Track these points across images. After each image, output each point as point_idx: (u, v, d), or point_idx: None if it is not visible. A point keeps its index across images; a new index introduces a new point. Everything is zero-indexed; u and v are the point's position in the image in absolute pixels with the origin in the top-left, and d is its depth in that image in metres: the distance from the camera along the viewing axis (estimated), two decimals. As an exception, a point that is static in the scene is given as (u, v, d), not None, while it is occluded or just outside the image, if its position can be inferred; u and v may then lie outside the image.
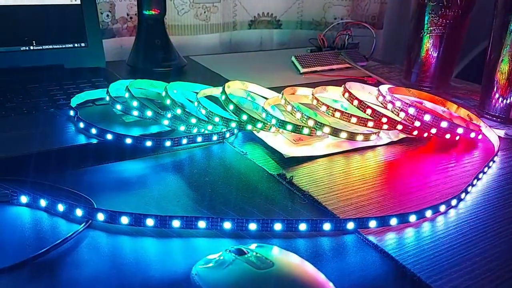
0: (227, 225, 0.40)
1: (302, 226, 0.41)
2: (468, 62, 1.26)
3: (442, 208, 0.47)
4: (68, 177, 0.49)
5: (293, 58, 0.98)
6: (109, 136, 0.54)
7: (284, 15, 1.22)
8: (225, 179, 0.52)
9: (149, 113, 0.58)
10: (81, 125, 0.55)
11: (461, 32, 0.86)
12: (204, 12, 1.10)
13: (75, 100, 0.62)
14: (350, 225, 0.42)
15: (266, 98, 0.69)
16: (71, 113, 0.58)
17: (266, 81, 0.79)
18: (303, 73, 0.94)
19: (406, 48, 0.92)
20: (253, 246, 0.35)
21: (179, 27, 1.09)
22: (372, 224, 0.43)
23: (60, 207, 0.41)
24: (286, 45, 1.28)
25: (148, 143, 0.54)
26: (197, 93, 0.66)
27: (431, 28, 0.85)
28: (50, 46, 0.79)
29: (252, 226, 0.41)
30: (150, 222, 0.40)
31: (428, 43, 0.87)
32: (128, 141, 0.53)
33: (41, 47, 0.78)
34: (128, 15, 1.03)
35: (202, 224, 0.40)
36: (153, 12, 0.89)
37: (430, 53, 0.87)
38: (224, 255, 0.33)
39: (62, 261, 0.37)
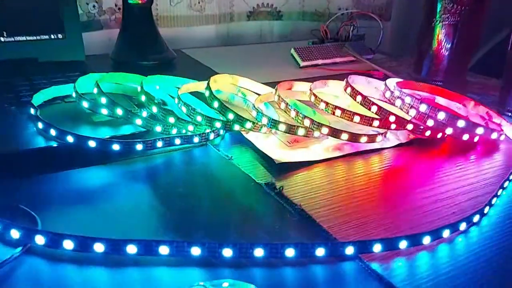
0: (196, 251, 0.33)
1: (290, 252, 0.33)
2: (483, 54, 1.17)
3: (462, 226, 0.39)
4: (19, 187, 0.41)
5: (292, 51, 0.90)
6: (70, 139, 0.46)
7: (285, 5, 1.14)
8: (203, 190, 0.44)
9: (119, 112, 0.51)
10: (40, 125, 0.48)
11: (478, 20, 0.77)
12: (199, 2, 1.03)
13: (39, 97, 0.55)
14: (349, 250, 0.34)
15: (259, 95, 0.61)
16: (32, 111, 0.51)
17: (262, 76, 0.71)
18: (303, 67, 0.86)
19: (416, 38, 0.84)
20: (225, 284, 0.28)
21: (171, 18, 1.01)
22: (377, 248, 0.35)
23: (-3, 227, 0.34)
24: (287, 37, 1.20)
25: (115, 147, 0.46)
26: (179, 88, 0.58)
27: (444, 16, 0.77)
28: (23, 38, 0.72)
29: (227, 253, 0.33)
30: (99, 247, 0.32)
31: (440, 33, 0.78)
32: (92, 144, 0.46)
33: (12, 39, 0.71)
34: (116, 5, 0.96)
35: (164, 250, 0.33)
36: (139, 1, 0.82)
37: (443, 44, 0.79)
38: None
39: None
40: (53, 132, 0.47)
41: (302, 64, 0.86)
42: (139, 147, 0.47)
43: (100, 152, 0.46)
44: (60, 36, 0.74)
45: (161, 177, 0.46)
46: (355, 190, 0.45)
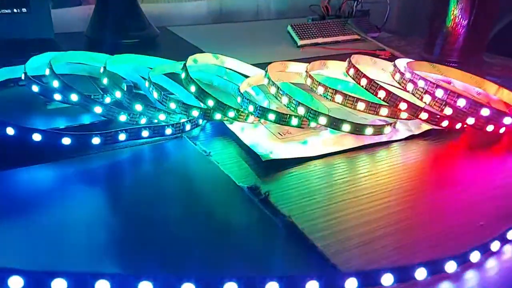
0: (146, 286, 0.25)
1: None
2: (496, 31, 1.08)
3: (495, 246, 0.30)
4: None
5: (289, 28, 0.80)
6: (10, 131, 0.38)
7: (283, -21, 1.04)
8: (172, 195, 0.36)
9: (74, 97, 0.42)
10: (-24, 115, 0.40)
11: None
12: (188, -25, 0.93)
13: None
14: (351, 284, 0.26)
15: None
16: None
17: (255, 57, 0.63)
18: (301, 46, 0.77)
19: (427, 15, 0.75)
20: None
21: (156, -8, 0.92)
22: (387, 280, 0.27)
23: None
24: (285, 14, 1.10)
25: (66, 141, 0.38)
26: (151, 70, 0.49)
27: (461, -12, 0.68)
28: (-20, 12, 0.63)
29: (188, 288, 0.25)
30: (16, 284, 0.24)
31: (456, 8, 0.69)
32: (37, 137, 0.37)
33: (-33, 13, 0.62)
34: (94, -23, 0.86)
35: (103, 285, 0.24)
36: (116, -29, 0.73)
37: (458, 20, 0.70)
38: None
39: None
40: (-10, 122, 0.39)
41: (300, 43, 0.77)
42: (96, 140, 0.39)
43: (49, 147, 0.38)
44: (24, 10, 0.66)
45: (122, 178, 0.38)
46: (358, 196, 0.37)
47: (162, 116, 0.44)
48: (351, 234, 0.32)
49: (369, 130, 0.44)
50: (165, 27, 0.85)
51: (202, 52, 0.60)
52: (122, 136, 0.40)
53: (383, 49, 0.75)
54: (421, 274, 0.27)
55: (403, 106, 0.44)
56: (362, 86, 0.47)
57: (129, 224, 0.32)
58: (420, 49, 0.78)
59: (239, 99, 0.46)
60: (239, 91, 0.47)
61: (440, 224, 0.33)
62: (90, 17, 0.78)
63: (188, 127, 0.44)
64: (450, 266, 0.28)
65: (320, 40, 0.79)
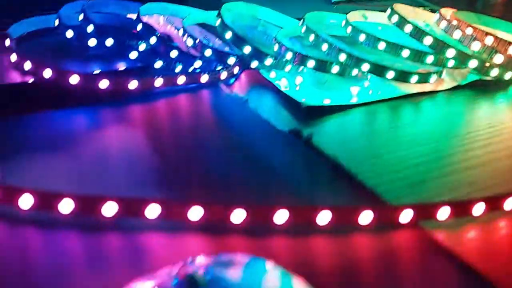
0: (196, 213, 0.24)
1: (324, 218, 0.24)
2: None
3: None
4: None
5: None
6: (48, 73, 0.37)
7: None
8: (211, 138, 0.35)
9: (109, 42, 0.41)
10: (13, 58, 0.39)
11: None
12: None
13: (18, 28, 0.45)
14: (407, 216, 0.25)
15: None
16: (7, 42, 0.42)
17: (285, 13, 0.61)
18: (335, 3, 0.74)
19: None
20: (238, 261, 0.18)
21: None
22: (443, 213, 0.25)
23: None
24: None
25: (103, 84, 0.37)
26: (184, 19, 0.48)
27: None
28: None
29: (239, 217, 0.24)
30: (66, 206, 0.24)
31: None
32: (74, 80, 0.37)
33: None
34: None
35: (153, 211, 0.24)
36: None
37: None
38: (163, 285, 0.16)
39: None
40: (28, 65, 0.38)
41: (334, -1, 0.74)
42: (133, 85, 0.38)
43: (86, 91, 0.38)
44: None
45: (159, 121, 0.37)
46: (403, 141, 0.35)
47: (197, 63, 0.43)
48: (399, 175, 0.30)
49: (414, 78, 0.42)
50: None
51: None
52: (158, 82, 0.40)
53: (422, 6, 0.72)
54: (479, 209, 0.26)
55: (450, 53, 0.42)
56: (407, 33, 0.45)
57: (164, 165, 0.31)
58: (462, 6, 0.74)
59: (276, 47, 0.44)
60: (276, 39, 0.45)
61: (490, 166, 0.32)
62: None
63: (223, 75, 0.43)
64: (509, 204, 0.27)
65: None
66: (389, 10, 0.48)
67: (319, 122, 0.37)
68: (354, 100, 0.40)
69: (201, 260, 0.18)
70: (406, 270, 0.24)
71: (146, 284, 0.17)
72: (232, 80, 0.44)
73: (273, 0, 0.73)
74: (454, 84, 0.45)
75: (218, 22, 0.45)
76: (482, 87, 0.44)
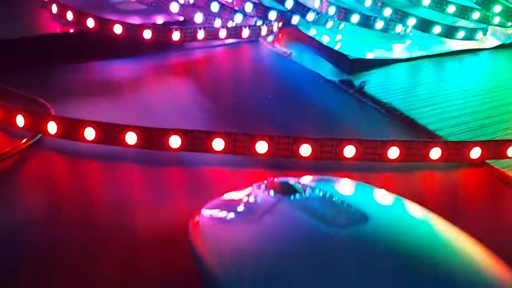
0: (262, 146, 0.23)
1: (393, 152, 0.24)
2: None
3: None
4: (26, 79, 0.33)
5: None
6: (91, 23, 0.37)
7: None
8: (258, 85, 0.34)
9: (151, -6, 0.41)
10: (54, 9, 0.39)
11: None
12: None
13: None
14: (476, 152, 0.24)
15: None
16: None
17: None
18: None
19: None
20: (307, 180, 0.18)
21: None
22: (513, 152, 0.25)
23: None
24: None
25: (147, 34, 0.37)
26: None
27: None
28: None
29: (305, 150, 0.24)
30: (131, 138, 0.24)
31: None
32: (118, 30, 0.36)
33: None
34: None
35: (218, 144, 0.23)
36: None
37: None
38: (256, 195, 0.16)
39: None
40: (70, 15, 0.38)
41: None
42: (176, 36, 0.38)
43: (128, 42, 0.37)
44: None
45: (204, 72, 0.37)
46: (455, 92, 0.34)
47: (238, 18, 0.42)
48: (459, 120, 0.30)
49: (460, 34, 0.41)
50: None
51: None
52: (200, 34, 0.39)
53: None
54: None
55: (497, 9, 0.41)
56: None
57: (219, 108, 0.30)
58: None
59: (317, 2, 0.43)
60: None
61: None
62: None
63: (264, 30, 0.42)
64: None
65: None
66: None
67: (366, 74, 0.37)
68: (397, 55, 0.40)
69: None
70: (475, 205, 0.23)
71: (240, 193, 0.16)
72: (272, 36, 0.43)
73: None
74: (498, 43, 0.44)
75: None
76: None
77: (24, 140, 0.24)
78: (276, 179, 0.16)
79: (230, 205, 0.16)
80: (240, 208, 0.15)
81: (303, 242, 0.12)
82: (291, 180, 0.16)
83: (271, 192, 0.15)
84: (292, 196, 0.15)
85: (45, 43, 0.36)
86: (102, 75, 0.35)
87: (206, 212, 0.16)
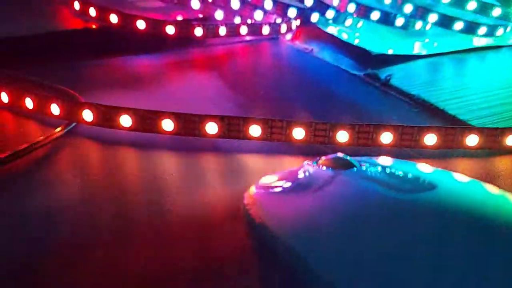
0: (299, 133, 0.23)
1: (430, 139, 0.24)
2: None
3: None
4: (53, 72, 0.33)
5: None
6: (114, 19, 0.37)
7: None
8: (283, 79, 0.34)
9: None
10: (77, 5, 0.39)
11: None
12: None
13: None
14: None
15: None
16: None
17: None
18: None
19: None
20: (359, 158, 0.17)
21: None
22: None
23: (30, 103, 0.25)
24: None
25: (170, 30, 0.37)
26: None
27: None
28: None
29: (342, 137, 0.23)
30: (168, 125, 0.23)
31: None
32: (141, 25, 0.37)
33: None
34: None
35: (255, 130, 0.23)
36: None
37: None
38: (310, 170, 0.16)
39: (23, 182, 0.21)
40: (92, 12, 0.38)
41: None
42: (198, 32, 0.38)
43: (149, 39, 0.37)
44: None
45: (229, 66, 0.37)
46: (481, 86, 0.34)
47: (258, 15, 0.42)
48: (488, 112, 0.30)
49: (482, 30, 0.41)
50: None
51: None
52: (222, 30, 0.39)
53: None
54: None
55: (517, 5, 0.41)
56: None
57: (238, 103, 0.30)
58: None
59: (336, 1, 0.44)
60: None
61: None
62: None
63: (284, 27, 0.42)
64: None
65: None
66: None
67: (389, 69, 0.37)
68: (418, 52, 0.40)
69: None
70: None
71: (292, 170, 0.16)
72: (291, 34, 0.43)
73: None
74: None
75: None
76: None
77: (59, 128, 0.24)
78: (328, 156, 0.16)
79: (286, 179, 0.16)
80: (298, 181, 0.15)
81: (373, 207, 0.12)
82: (344, 156, 0.16)
83: (325, 168, 0.15)
84: (350, 169, 0.14)
85: (69, 38, 0.37)
86: (127, 69, 0.35)
87: (263, 185, 0.16)
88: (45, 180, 0.22)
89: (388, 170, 0.14)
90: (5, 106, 0.27)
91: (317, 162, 0.16)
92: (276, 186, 0.16)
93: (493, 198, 0.13)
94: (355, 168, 0.14)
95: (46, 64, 0.33)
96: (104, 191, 0.21)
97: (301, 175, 0.15)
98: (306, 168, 0.16)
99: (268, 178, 0.17)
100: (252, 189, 0.16)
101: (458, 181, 0.14)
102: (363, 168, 0.15)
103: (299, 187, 0.15)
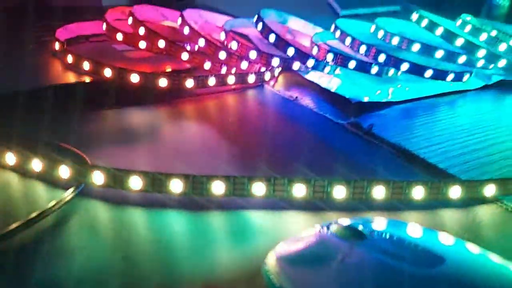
0: (300, 190, 0.25)
1: (418, 192, 0.26)
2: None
3: None
4: (50, 127, 0.33)
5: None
6: (107, 72, 0.38)
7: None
8: (272, 129, 0.36)
9: (161, 44, 0.42)
10: (71, 59, 0.40)
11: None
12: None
13: (63, 33, 0.46)
14: (490, 190, 0.27)
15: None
16: (57, 46, 0.43)
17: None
18: (343, 16, 0.78)
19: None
20: (366, 221, 0.19)
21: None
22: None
23: (38, 166, 0.26)
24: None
25: (162, 82, 0.38)
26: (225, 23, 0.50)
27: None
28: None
29: (339, 192, 0.25)
30: (177, 186, 0.25)
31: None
32: (134, 79, 0.38)
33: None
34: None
35: (259, 188, 0.25)
36: None
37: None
38: (324, 238, 0.17)
39: (35, 248, 0.22)
40: (86, 65, 0.39)
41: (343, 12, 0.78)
42: (189, 83, 0.40)
43: (141, 91, 0.39)
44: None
45: (219, 116, 0.39)
46: (455, 131, 0.37)
47: (244, 64, 0.44)
48: (466, 158, 0.32)
49: (450, 76, 0.45)
50: None
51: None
52: (211, 81, 0.41)
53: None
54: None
55: (481, 53, 0.45)
56: (438, 35, 0.48)
57: (248, 150, 0.32)
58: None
59: (315, 49, 0.47)
60: (313, 41, 0.47)
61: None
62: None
63: (267, 75, 0.44)
64: None
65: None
66: (416, 15, 0.51)
67: (367, 116, 0.39)
68: (391, 98, 0.43)
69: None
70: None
71: (306, 236, 0.18)
72: (273, 81, 0.46)
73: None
74: (482, 84, 0.48)
75: (259, 26, 0.47)
76: (508, 86, 0.48)
77: (68, 191, 0.25)
78: (339, 223, 0.18)
79: (305, 248, 0.17)
80: (317, 252, 0.17)
81: (389, 281, 0.14)
82: (354, 223, 0.18)
83: (338, 235, 0.17)
84: (363, 240, 0.16)
85: (62, 92, 0.37)
86: (123, 122, 0.36)
87: (282, 253, 0.17)
88: (55, 251, 0.22)
89: (395, 239, 0.16)
90: (11, 168, 0.27)
91: (329, 228, 0.18)
92: (296, 255, 0.17)
93: (496, 268, 0.15)
94: (366, 239, 0.16)
95: (41, 119, 0.33)
96: (112, 260, 0.22)
97: (318, 245, 0.17)
98: (321, 236, 0.18)
99: (286, 245, 0.18)
100: (272, 256, 0.17)
101: (463, 251, 0.16)
102: (373, 237, 0.16)
103: (319, 258, 0.16)
